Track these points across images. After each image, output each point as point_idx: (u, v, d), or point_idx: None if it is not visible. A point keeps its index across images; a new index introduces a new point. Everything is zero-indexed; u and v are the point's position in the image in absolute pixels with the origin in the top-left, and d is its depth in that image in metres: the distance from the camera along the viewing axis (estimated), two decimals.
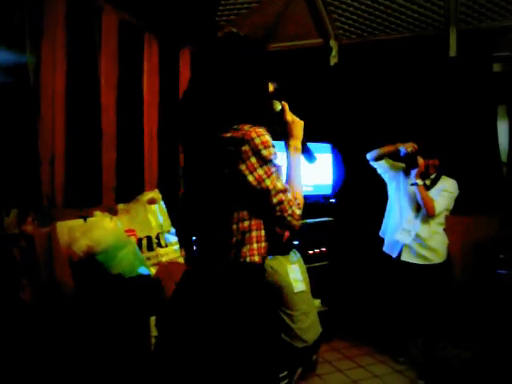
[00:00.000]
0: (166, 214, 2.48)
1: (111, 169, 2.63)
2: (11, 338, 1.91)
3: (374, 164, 3.39)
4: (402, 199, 3.30)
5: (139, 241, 2.32)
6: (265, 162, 1.37)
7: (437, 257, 3.15)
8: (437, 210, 3.11)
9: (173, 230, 2.48)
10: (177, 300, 1.49)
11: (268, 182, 1.38)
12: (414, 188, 3.16)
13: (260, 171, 1.37)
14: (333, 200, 3.85)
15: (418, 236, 3.16)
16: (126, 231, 2.26)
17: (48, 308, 2.01)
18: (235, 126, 1.40)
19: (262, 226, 1.46)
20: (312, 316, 2.90)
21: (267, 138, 1.39)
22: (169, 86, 3.11)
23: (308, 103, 4.19)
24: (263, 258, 1.48)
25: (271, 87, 1.57)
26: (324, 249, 3.66)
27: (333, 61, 4.15)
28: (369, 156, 3.37)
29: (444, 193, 3.16)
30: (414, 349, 3.34)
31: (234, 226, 1.42)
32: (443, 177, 3.24)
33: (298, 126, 1.58)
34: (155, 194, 2.48)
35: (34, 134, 2.23)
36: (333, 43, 4.14)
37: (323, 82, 4.16)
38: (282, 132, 1.60)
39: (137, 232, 2.31)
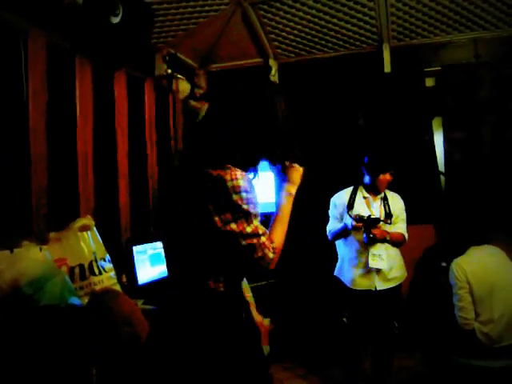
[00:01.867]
0: (100, 240, 2.40)
1: (42, 196, 2.53)
2: None
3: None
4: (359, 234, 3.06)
5: (71, 269, 2.23)
6: (233, 206, 1.40)
7: (403, 273, 3.12)
8: (407, 236, 3.09)
9: (108, 256, 2.41)
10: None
11: (233, 226, 1.41)
12: None
13: (227, 214, 1.41)
14: None
15: (387, 257, 3.01)
16: (57, 260, 2.18)
17: None
18: (221, 166, 1.44)
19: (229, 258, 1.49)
20: None
21: (241, 183, 1.41)
22: (104, 108, 3.06)
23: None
24: (232, 287, 1.51)
25: None
26: None
27: (272, 79, 4.21)
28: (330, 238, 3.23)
29: (402, 214, 3.14)
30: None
31: (202, 258, 1.48)
32: (386, 191, 3.19)
33: (295, 171, 1.63)
34: (88, 220, 2.40)
35: None
36: (272, 62, 4.21)
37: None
38: (282, 174, 1.65)
39: (68, 261, 2.23)
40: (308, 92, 4.23)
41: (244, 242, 1.42)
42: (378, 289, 3.01)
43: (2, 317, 1.93)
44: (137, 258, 3.03)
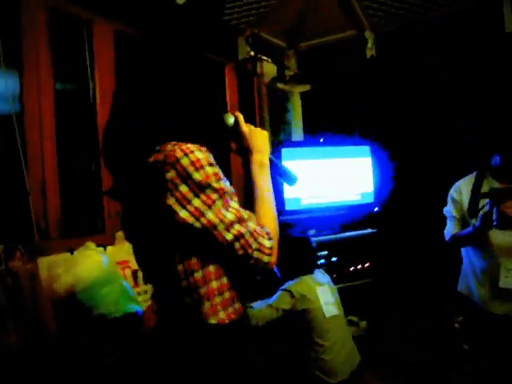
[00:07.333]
0: None
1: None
2: None
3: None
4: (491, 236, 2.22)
5: (134, 273, 2.11)
6: (201, 188, 1.05)
7: None
8: None
9: None
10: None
11: (210, 215, 1.05)
12: None
13: (196, 203, 1.04)
14: (376, 209, 3.45)
15: None
16: (120, 263, 2.07)
17: (33, 353, 1.84)
18: (157, 147, 1.10)
19: (224, 272, 1.14)
20: (348, 344, 2.54)
21: (199, 155, 1.05)
22: None
23: (345, 105, 3.84)
24: (236, 311, 1.16)
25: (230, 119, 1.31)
26: (367, 264, 3.27)
27: (369, 53, 3.76)
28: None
29: None
30: None
31: (184, 282, 1.10)
32: None
33: (259, 137, 1.30)
34: None
35: (21, 164, 2.09)
36: (368, 34, 3.76)
37: (360, 77, 3.77)
38: (239, 148, 1.32)
39: (131, 263, 2.10)
40: (413, 62, 3.70)
41: (229, 236, 1.06)
42: None
43: (60, 324, 1.86)
44: None
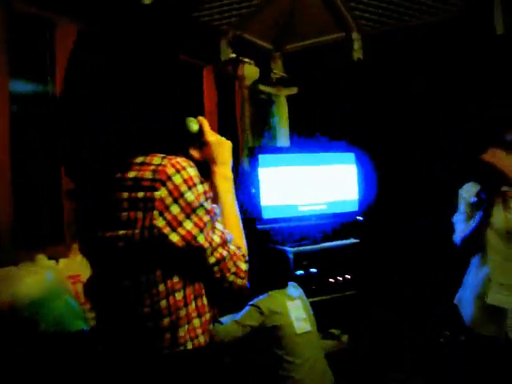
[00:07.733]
0: None
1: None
2: None
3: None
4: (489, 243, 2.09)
5: None
6: (192, 209, 0.99)
7: None
8: None
9: None
10: None
11: (201, 239, 1.00)
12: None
13: (187, 225, 0.98)
14: (360, 218, 3.31)
15: None
16: (71, 277, 1.95)
17: None
18: (139, 160, 1.00)
19: (203, 291, 1.08)
20: (320, 362, 2.40)
21: (191, 172, 0.99)
22: None
23: (333, 109, 3.72)
24: (209, 332, 1.10)
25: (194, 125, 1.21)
26: (349, 276, 3.13)
27: (356, 55, 3.63)
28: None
29: None
30: None
31: (163, 303, 1.01)
32: None
33: (224, 147, 1.22)
34: None
35: None
36: (355, 36, 3.63)
37: (348, 81, 3.63)
38: (202, 158, 1.22)
39: (82, 277, 1.98)
40: (400, 66, 3.57)
41: (212, 259, 1.02)
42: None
43: (5, 343, 1.75)
44: None
